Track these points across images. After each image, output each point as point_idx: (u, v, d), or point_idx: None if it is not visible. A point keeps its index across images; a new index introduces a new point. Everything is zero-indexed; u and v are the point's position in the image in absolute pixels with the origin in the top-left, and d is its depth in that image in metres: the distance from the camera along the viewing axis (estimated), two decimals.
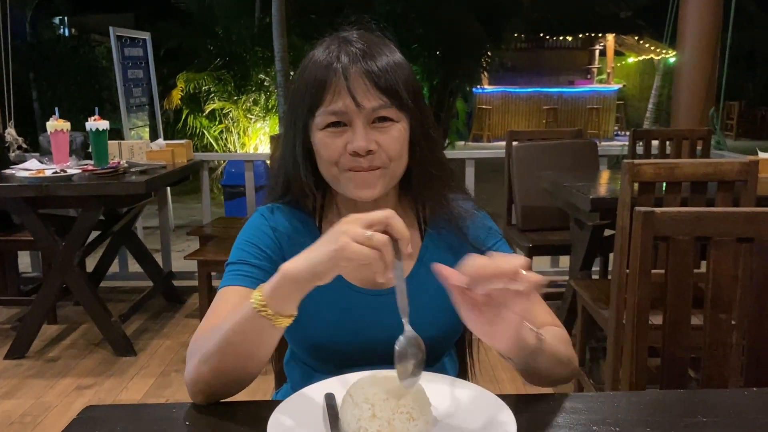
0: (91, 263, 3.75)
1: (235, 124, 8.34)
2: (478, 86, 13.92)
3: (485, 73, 13.15)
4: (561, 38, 15.56)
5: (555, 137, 3.62)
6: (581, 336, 2.33)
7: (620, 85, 15.44)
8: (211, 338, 0.88)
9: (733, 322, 1.26)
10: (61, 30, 12.06)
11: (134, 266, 3.92)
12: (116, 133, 4.86)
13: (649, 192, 1.92)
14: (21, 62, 9.52)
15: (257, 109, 8.23)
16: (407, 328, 0.81)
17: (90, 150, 3.15)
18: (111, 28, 5.13)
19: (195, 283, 3.43)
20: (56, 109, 3.20)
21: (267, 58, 7.96)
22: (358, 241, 0.75)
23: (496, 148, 5.30)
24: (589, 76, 15.89)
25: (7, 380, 2.82)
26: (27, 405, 2.60)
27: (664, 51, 13.11)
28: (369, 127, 0.95)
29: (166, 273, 3.89)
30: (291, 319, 0.83)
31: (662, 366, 1.29)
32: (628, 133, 3.93)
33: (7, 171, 3.05)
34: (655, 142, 3.53)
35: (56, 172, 2.91)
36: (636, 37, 14.76)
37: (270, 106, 8.13)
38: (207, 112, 8.28)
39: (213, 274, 3.12)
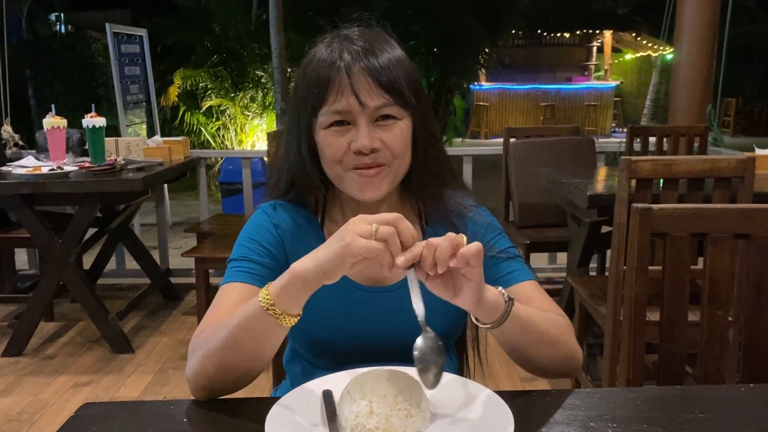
0: (88, 260, 3.74)
1: (232, 121, 8.33)
2: (476, 83, 13.95)
3: (483, 70, 13.17)
4: (558, 35, 15.55)
5: (552, 134, 3.62)
6: (578, 333, 2.34)
7: (618, 82, 15.44)
8: (215, 334, 0.88)
9: (729, 319, 1.26)
10: (58, 27, 12.02)
11: (131, 263, 3.92)
12: (113, 130, 4.84)
13: (647, 188, 1.92)
14: (17, 59, 9.50)
15: (254, 106, 8.21)
16: (427, 330, 0.82)
17: (87, 147, 3.14)
18: (107, 25, 5.10)
19: (192, 280, 3.43)
20: (53, 106, 3.19)
21: (264, 54, 7.95)
22: (363, 236, 0.76)
23: (493, 145, 5.31)
24: (586, 73, 15.89)
25: (4, 378, 2.82)
26: (24, 402, 2.59)
27: (661, 48, 13.12)
28: (372, 125, 0.95)
29: (164, 270, 3.88)
30: (297, 319, 0.84)
31: (659, 362, 1.29)
32: (625, 129, 3.94)
33: (4, 168, 3.04)
34: (652, 139, 3.54)
35: (53, 169, 2.91)
36: (633, 34, 14.75)
37: (267, 103, 8.12)
38: (204, 109, 8.27)
39: (210, 271, 3.11)
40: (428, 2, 9.29)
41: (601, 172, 3.04)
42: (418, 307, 0.81)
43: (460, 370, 1.20)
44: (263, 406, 0.83)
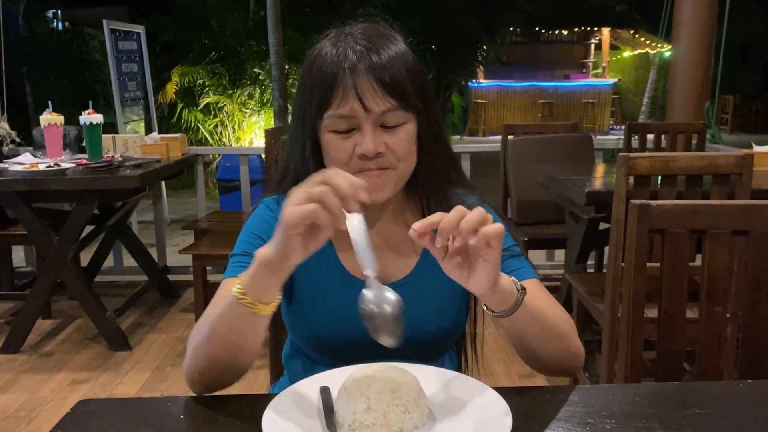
0: (85, 258, 3.73)
1: (230, 118, 8.32)
2: (474, 80, 13.94)
3: (481, 67, 13.17)
4: (556, 32, 15.55)
5: (551, 131, 3.62)
6: (577, 330, 2.34)
7: (616, 79, 15.45)
8: (201, 329, 0.89)
9: (728, 315, 1.27)
10: (55, 23, 11.98)
11: (129, 261, 3.92)
12: (111, 127, 4.83)
13: (645, 185, 1.92)
14: (14, 56, 9.45)
15: (252, 103, 8.21)
16: (373, 281, 0.79)
17: (84, 144, 3.13)
18: (105, 22, 5.09)
19: (190, 277, 3.42)
20: (50, 102, 3.18)
21: (262, 51, 7.94)
22: (296, 203, 0.74)
23: (491, 142, 5.30)
24: (584, 70, 15.90)
25: (1, 375, 2.81)
26: (21, 400, 2.59)
27: (659, 45, 13.12)
28: (377, 129, 0.94)
29: (161, 267, 3.88)
30: (272, 307, 0.83)
31: (657, 359, 1.29)
32: (623, 127, 3.94)
33: (1, 165, 3.03)
34: (650, 136, 3.54)
35: (50, 166, 2.90)
36: (631, 31, 14.76)
37: (265, 100, 8.11)
38: (202, 106, 8.26)
39: (208, 268, 3.11)
40: None
41: (599, 169, 3.04)
42: (364, 254, 0.77)
43: (459, 366, 1.20)
44: (261, 402, 0.83)
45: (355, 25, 0.99)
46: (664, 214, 1.26)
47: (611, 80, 15.21)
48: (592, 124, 13.86)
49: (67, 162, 3.00)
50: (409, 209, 1.08)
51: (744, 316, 1.25)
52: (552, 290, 3.28)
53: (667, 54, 11.32)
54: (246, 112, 8.24)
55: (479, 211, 0.76)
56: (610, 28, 15.27)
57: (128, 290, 3.70)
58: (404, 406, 0.79)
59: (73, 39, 10.43)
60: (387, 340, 0.79)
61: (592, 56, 15.98)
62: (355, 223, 0.77)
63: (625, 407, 0.85)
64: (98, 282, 3.83)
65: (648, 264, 1.32)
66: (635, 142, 3.61)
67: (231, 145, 8.14)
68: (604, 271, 2.72)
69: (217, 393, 0.93)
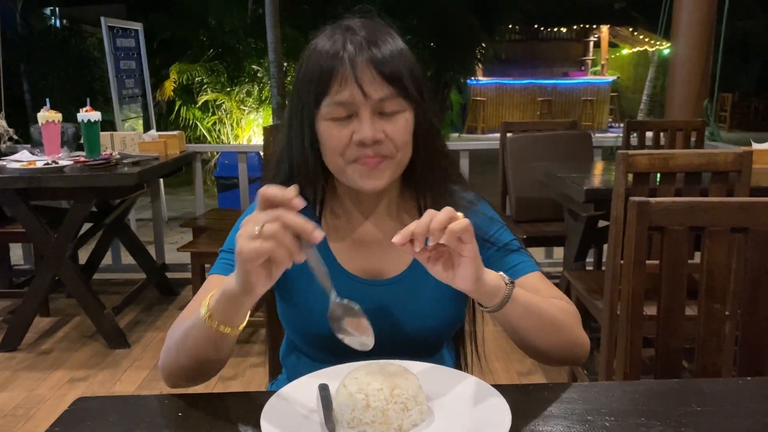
0: (83, 255, 3.73)
1: (228, 116, 8.30)
2: (473, 78, 13.93)
3: (479, 65, 13.16)
4: (555, 30, 15.55)
5: (549, 129, 3.62)
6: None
7: (614, 77, 15.45)
8: (174, 333, 0.91)
9: (726, 313, 1.26)
10: (52, 21, 11.95)
11: (127, 258, 3.91)
12: (109, 124, 4.83)
13: (644, 183, 1.92)
14: (12, 53, 9.43)
15: (250, 100, 8.19)
16: (334, 297, 0.83)
17: (82, 141, 3.12)
18: (102, 19, 5.08)
19: (188, 275, 3.42)
20: (47, 100, 3.18)
21: (260, 49, 7.92)
22: (250, 238, 0.74)
23: (490, 140, 5.30)
24: (583, 68, 15.90)
25: None
26: (20, 398, 2.59)
27: (658, 42, 13.12)
28: (375, 116, 0.94)
29: (160, 265, 3.87)
30: (239, 329, 0.85)
31: (656, 356, 1.29)
32: (622, 124, 3.93)
33: None
34: (649, 134, 3.53)
35: (48, 164, 2.89)
36: (630, 29, 14.76)
37: (263, 98, 8.09)
38: (200, 103, 8.24)
39: (206, 266, 3.10)
40: None
41: (598, 166, 3.04)
42: (323, 280, 0.81)
43: (457, 364, 1.20)
44: (259, 399, 0.83)
45: (353, 20, 0.99)
46: (663, 211, 1.25)
47: (610, 78, 15.21)
48: (591, 122, 13.86)
49: (64, 159, 2.99)
50: (405, 206, 1.08)
51: (743, 314, 1.25)
52: None
53: (666, 51, 11.32)
54: (244, 110, 8.23)
55: (446, 210, 0.78)
56: (608, 26, 15.27)
57: (126, 288, 3.70)
58: (403, 403, 0.79)
59: (71, 36, 10.40)
60: (365, 345, 0.82)
61: (590, 54, 15.98)
62: (311, 254, 0.77)
63: (624, 405, 0.85)
64: (96, 280, 3.82)
65: (647, 261, 1.32)
66: (634, 139, 3.61)
67: (229, 143, 8.13)
68: (603, 268, 2.72)
69: (216, 391, 0.93)
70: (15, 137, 3.70)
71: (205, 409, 0.86)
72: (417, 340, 1.03)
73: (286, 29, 6.71)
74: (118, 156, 3.09)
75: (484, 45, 10.94)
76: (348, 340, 0.83)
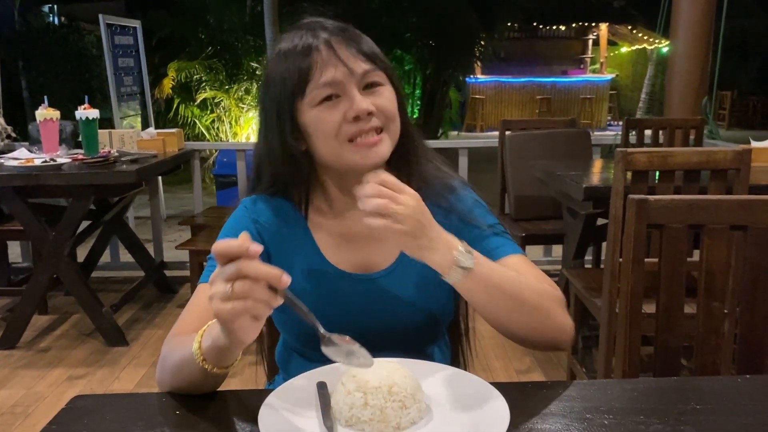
0: (82, 253, 3.73)
1: (226, 114, 8.29)
2: (472, 76, 13.91)
3: (478, 63, 13.15)
4: (554, 28, 15.53)
5: (548, 127, 3.61)
6: (574, 325, 2.33)
7: (613, 75, 15.44)
8: (168, 358, 0.90)
9: (725, 311, 1.26)
10: (51, 18, 11.93)
11: (126, 256, 3.90)
12: (107, 122, 4.81)
13: (643, 181, 1.91)
14: (10, 51, 9.43)
15: (249, 98, 8.18)
16: (322, 331, 0.82)
17: (80, 139, 3.12)
18: (101, 16, 5.07)
19: (187, 273, 3.42)
20: (45, 97, 3.17)
21: (258, 46, 7.92)
22: (223, 299, 0.73)
23: (489, 138, 5.29)
24: (582, 66, 15.88)
25: None
26: (18, 396, 2.58)
27: (657, 41, 13.11)
28: (362, 92, 0.96)
29: (158, 263, 3.87)
30: (231, 368, 0.85)
31: (655, 354, 1.29)
32: (620, 122, 3.93)
33: None
34: (648, 132, 3.53)
35: (46, 162, 2.89)
36: (629, 27, 14.74)
37: None
38: (198, 101, 8.23)
39: (205, 264, 3.10)
40: None
41: (597, 164, 3.04)
42: (305, 316, 0.80)
43: (455, 361, 1.20)
44: (257, 398, 0.82)
45: (312, 17, 1.01)
46: (662, 209, 1.25)
47: (609, 76, 15.20)
48: (590, 120, 13.85)
49: (63, 157, 2.98)
50: None
51: (742, 312, 1.25)
52: None
53: (665, 50, 11.31)
54: (243, 108, 8.22)
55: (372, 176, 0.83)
56: (607, 24, 15.25)
57: (125, 286, 3.69)
58: (401, 401, 0.78)
59: (69, 34, 10.39)
60: (364, 365, 0.81)
61: (589, 52, 15.96)
62: (287, 296, 0.76)
63: (623, 403, 0.85)
64: (95, 278, 3.82)
65: (646, 259, 1.32)
66: (633, 137, 3.60)
67: (228, 141, 8.12)
68: (602, 266, 2.72)
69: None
70: (13, 135, 3.69)
71: (203, 407, 0.86)
72: (408, 334, 1.03)
73: (284, 27, 6.69)
74: (116, 154, 3.09)
75: (483, 43, 10.92)
76: (347, 364, 0.82)
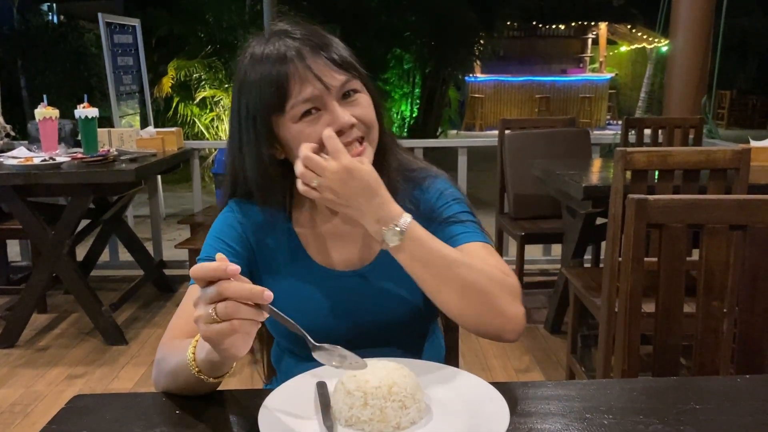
0: (81, 252, 3.72)
1: (226, 112, 8.28)
2: (471, 75, 13.90)
3: (478, 62, 13.14)
4: (553, 27, 15.51)
5: (548, 126, 3.61)
6: (573, 324, 2.34)
7: (612, 74, 15.44)
8: (163, 364, 0.90)
9: (725, 310, 1.26)
10: (50, 16, 11.91)
11: (125, 255, 3.90)
12: (106, 121, 4.81)
13: (642, 180, 1.91)
14: (9, 49, 9.41)
15: None
16: (312, 341, 0.81)
17: (79, 138, 3.11)
18: (100, 15, 5.06)
19: (186, 271, 3.41)
20: (45, 96, 3.16)
21: None
22: (208, 322, 0.73)
23: (488, 137, 5.29)
24: (581, 65, 15.87)
25: None
26: (17, 394, 2.58)
27: (656, 40, 13.10)
28: (342, 103, 0.95)
29: (157, 262, 3.87)
30: (224, 377, 0.85)
31: (654, 354, 1.29)
32: (620, 121, 3.93)
33: None
34: (647, 131, 3.53)
35: (45, 160, 2.88)
36: (629, 26, 14.74)
37: None
38: (198, 99, 8.22)
39: None
40: None
41: (596, 163, 3.04)
42: (293, 328, 0.79)
43: (454, 361, 1.20)
44: (256, 397, 0.82)
45: (280, 24, 0.99)
46: (662, 208, 1.25)
47: (608, 75, 15.19)
48: (589, 119, 13.85)
49: (62, 156, 2.98)
50: None
51: (741, 311, 1.25)
52: (549, 285, 3.28)
53: (664, 49, 11.31)
54: None
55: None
56: (607, 23, 15.24)
57: (124, 285, 3.69)
58: (401, 401, 0.78)
59: (68, 32, 10.36)
60: (360, 365, 0.81)
61: (589, 51, 15.95)
62: (272, 311, 0.76)
63: (622, 402, 0.85)
64: (94, 276, 3.81)
65: (645, 258, 1.32)
66: (632, 136, 3.60)
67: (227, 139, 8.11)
68: (601, 265, 2.72)
69: None
70: (12, 134, 3.69)
71: (203, 406, 0.86)
72: (396, 327, 1.03)
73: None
74: (115, 152, 3.08)
75: (482, 42, 10.92)
76: (340, 368, 0.82)
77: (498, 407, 0.79)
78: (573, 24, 15.42)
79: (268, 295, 0.73)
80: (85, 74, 9.70)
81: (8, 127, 3.66)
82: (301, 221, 1.07)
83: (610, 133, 4.34)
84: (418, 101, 10.46)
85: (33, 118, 3.12)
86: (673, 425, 0.79)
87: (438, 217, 1.03)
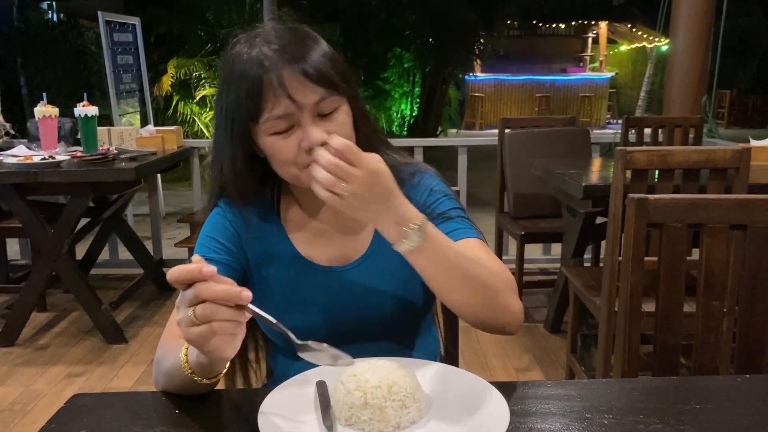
0: (81, 251, 3.72)
1: None
2: (471, 74, 13.90)
3: (478, 61, 13.14)
4: (554, 26, 15.51)
5: (548, 125, 3.61)
6: (573, 323, 2.34)
7: (612, 73, 15.43)
8: (162, 363, 0.90)
9: (725, 310, 1.26)
10: (50, 15, 11.90)
11: (124, 254, 3.90)
12: (106, 119, 4.80)
13: (642, 179, 1.91)
14: (8, 47, 9.40)
15: None
16: (295, 340, 0.80)
17: (79, 136, 3.11)
18: (100, 13, 5.05)
19: None
20: (44, 94, 3.16)
21: None
22: (189, 325, 0.72)
23: (488, 136, 5.29)
24: (581, 64, 15.86)
25: None
26: (17, 393, 2.58)
27: (656, 39, 13.11)
28: (316, 119, 0.94)
29: (157, 260, 3.87)
30: (218, 378, 0.84)
31: (654, 353, 1.29)
32: (620, 121, 3.93)
33: None
34: (647, 130, 3.53)
35: (44, 159, 2.88)
36: (629, 25, 14.74)
37: None
38: (198, 98, 8.22)
39: None
40: None
41: (596, 162, 3.03)
42: (275, 327, 0.78)
43: (453, 360, 1.20)
44: (256, 396, 0.82)
45: (265, 27, 0.98)
46: (662, 208, 1.25)
47: (608, 74, 15.18)
48: (589, 118, 13.85)
49: (61, 154, 2.98)
50: None
51: (741, 311, 1.25)
52: (548, 284, 3.28)
53: (664, 48, 11.31)
54: None
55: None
56: (607, 22, 15.23)
57: (124, 283, 3.69)
58: (401, 401, 0.78)
59: (68, 30, 10.34)
60: (348, 362, 0.80)
61: (589, 50, 15.94)
62: (253, 311, 0.75)
63: (623, 402, 0.85)
64: (93, 275, 3.81)
65: (645, 258, 1.32)
66: (632, 136, 3.60)
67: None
68: (601, 265, 2.72)
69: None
70: (12, 132, 3.69)
71: (202, 406, 0.86)
72: (387, 323, 1.04)
73: None
74: (115, 151, 3.08)
75: (482, 41, 10.91)
76: (329, 365, 0.82)
77: (498, 407, 0.79)
78: (573, 23, 15.42)
79: (246, 295, 0.72)
80: (84, 72, 9.70)
81: (8, 125, 3.66)
82: (290, 217, 1.07)
83: (610, 133, 4.34)
84: (418, 100, 10.46)
85: (33, 116, 3.12)
86: (673, 425, 0.79)
87: (431, 214, 1.02)
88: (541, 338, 3.03)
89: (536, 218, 3.24)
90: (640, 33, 14.52)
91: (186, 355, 0.83)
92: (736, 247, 1.25)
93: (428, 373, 0.89)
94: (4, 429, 2.32)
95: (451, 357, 1.32)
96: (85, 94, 3.13)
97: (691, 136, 3.39)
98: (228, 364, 0.83)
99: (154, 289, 3.77)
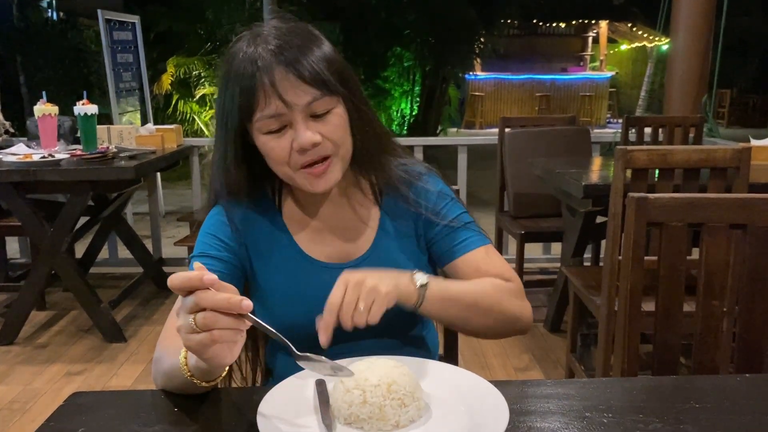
0: (80, 249, 3.72)
1: None
2: (471, 73, 13.90)
3: (478, 60, 13.13)
4: (554, 25, 15.51)
5: (548, 124, 3.61)
6: (573, 323, 2.34)
7: (613, 73, 15.43)
8: (161, 362, 0.90)
9: (724, 309, 1.26)
10: (49, 13, 11.89)
11: (124, 252, 3.90)
12: (105, 117, 4.80)
13: (642, 179, 1.91)
14: (8, 46, 9.40)
15: None
16: (295, 351, 0.80)
17: (78, 135, 3.11)
18: (99, 12, 5.05)
19: (186, 269, 3.41)
20: (44, 93, 3.16)
21: None
22: (189, 332, 0.72)
23: (488, 135, 5.29)
24: (581, 63, 15.86)
25: None
26: (16, 392, 2.58)
27: (657, 38, 13.11)
28: (309, 120, 0.94)
29: (156, 259, 3.87)
30: (217, 381, 0.85)
31: (654, 353, 1.29)
32: (620, 120, 3.93)
33: None
34: (647, 129, 3.53)
35: (44, 157, 2.88)
36: (629, 25, 14.74)
37: None
38: (197, 97, 8.22)
39: None
40: None
41: (596, 162, 3.03)
42: (275, 337, 0.78)
43: (453, 359, 1.20)
44: (256, 395, 0.82)
45: (266, 25, 0.98)
46: (662, 207, 1.25)
47: (608, 73, 15.19)
48: (590, 117, 13.85)
49: (61, 153, 2.98)
50: (360, 185, 1.09)
51: (741, 310, 1.25)
52: (548, 283, 3.28)
53: (665, 47, 11.31)
54: None
55: (341, 288, 0.87)
56: (607, 21, 15.23)
57: (123, 282, 3.69)
58: (400, 399, 0.78)
59: (67, 29, 10.34)
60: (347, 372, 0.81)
61: (589, 49, 15.94)
62: (253, 320, 0.75)
63: (622, 401, 0.85)
64: (93, 274, 3.81)
65: (645, 257, 1.32)
66: (632, 135, 3.60)
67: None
68: (601, 264, 2.72)
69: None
70: (11, 130, 3.69)
71: (201, 404, 0.86)
72: (388, 320, 1.03)
73: None
74: (114, 149, 3.08)
75: (482, 40, 10.91)
76: (328, 376, 0.82)
77: (497, 406, 0.78)
78: (573, 22, 15.42)
79: (247, 305, 0.72)
80: (84, 71, 9.69)
81: (7, 123, 3.66)
82: (292, 215, 1.08)
83: (611, 132, 4.34)
84: (418, 99, 10.45)
85: (32, 114, 3.11)
86: (672, 424, 0.78)
87: (441, 220, 1.05)
88: (541, 337, 3.03)
89: (536, 217, 3.24)
90: (640, 32, 14.52)
91: (185, 358, 0.83)
92: (736, 247, 1.25)
93: (427, 371, 0.89)
94: (3, 427, 2.32)
95: (450, 356, 1.32)
96: (84, 92, 3.13)
97: (691, 135, 3.38)
98: (227, 368, 0.83)
99: (154, 287, 3.77)
